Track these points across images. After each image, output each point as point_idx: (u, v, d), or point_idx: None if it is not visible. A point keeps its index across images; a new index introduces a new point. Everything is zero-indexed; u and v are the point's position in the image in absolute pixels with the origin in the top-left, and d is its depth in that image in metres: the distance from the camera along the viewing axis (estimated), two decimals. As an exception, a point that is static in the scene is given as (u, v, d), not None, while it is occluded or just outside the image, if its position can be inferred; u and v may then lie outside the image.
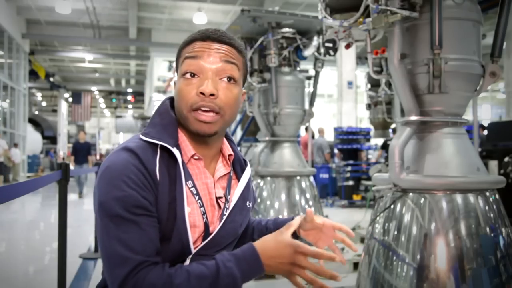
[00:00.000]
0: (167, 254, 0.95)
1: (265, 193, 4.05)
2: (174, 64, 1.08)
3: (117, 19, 14.47)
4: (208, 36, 1.01)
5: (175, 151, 0.97)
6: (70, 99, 22.46)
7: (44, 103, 27.72)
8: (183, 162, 1.00)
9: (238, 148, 1.24)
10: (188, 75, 0.99)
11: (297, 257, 0.89)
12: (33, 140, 18.26)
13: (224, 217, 1.03)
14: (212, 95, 0.97)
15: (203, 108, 0.97)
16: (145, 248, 0.90)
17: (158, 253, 0.92)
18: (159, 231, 0.94)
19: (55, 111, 21.53)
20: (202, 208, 1.00)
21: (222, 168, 1.09)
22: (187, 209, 0.96)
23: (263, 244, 0.91)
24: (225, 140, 1.12)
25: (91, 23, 13.88)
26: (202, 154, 1.04)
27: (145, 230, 0.91)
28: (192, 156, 1.02)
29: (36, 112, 24.45)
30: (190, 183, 0.99)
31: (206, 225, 1.00)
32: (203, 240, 1.00)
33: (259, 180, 4.13)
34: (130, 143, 0.98)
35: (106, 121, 32.12)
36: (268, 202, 3.99)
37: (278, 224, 1.19)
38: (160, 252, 0.93)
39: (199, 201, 1.00)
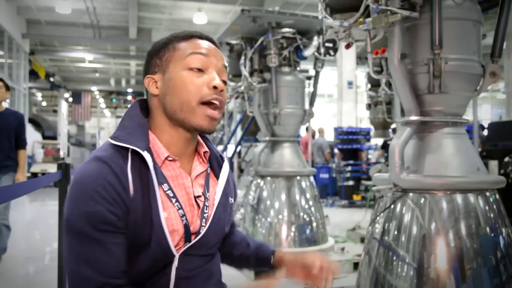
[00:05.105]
0: (148, 259, 0.94)
1: (265, 193, 4.05)
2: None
3: (117, 19, 14.44)
4: (206, 36, 1.06)
5: (146, 155, 0.94)
6: (70, 99, 22.41)
7: (44, 103, 27.68)
8: (156, 165, 0.97)
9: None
10: (196, 69, 1.00)
11: None
12: (33, 140, 18.26)
13: (210, 218, 1.03)
14: (221, 90, 1.00)
15: (214, 102, 0.99)
16: (108, 269, 0.89)
17: (122, 274, 0.91)
18: (135, 238, 0.93)
19: (55, 111, 21.48)
20: (180, 211, 0.97)
21: (198, 166, 1.07)
22: (163, 215, 0.94)
23: None
24: (199, 138, 1.12)
25: (91, 23, 13.85)
26: (179, 154, 1.03)
27: (109, 249, 0.89)
28: (166, 158, 1.00)
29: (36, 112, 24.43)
30: (165, 186, 0.97)
31: (186, 227, 0.98)
32: (186, 240, 0.98)
33: (259, 180, 4.14)
34: (100, 151, 0.96)
35: (106, 121, 32.05)
36: (268, 202, 3.99)
37: (258, 254, 1.22)
38: (126, 273, 0.92)
39: (177, 203, 0.97)
